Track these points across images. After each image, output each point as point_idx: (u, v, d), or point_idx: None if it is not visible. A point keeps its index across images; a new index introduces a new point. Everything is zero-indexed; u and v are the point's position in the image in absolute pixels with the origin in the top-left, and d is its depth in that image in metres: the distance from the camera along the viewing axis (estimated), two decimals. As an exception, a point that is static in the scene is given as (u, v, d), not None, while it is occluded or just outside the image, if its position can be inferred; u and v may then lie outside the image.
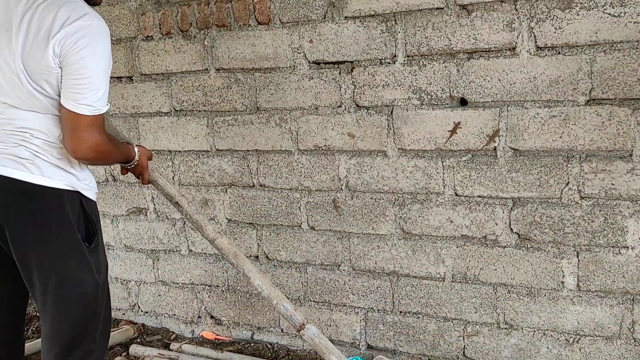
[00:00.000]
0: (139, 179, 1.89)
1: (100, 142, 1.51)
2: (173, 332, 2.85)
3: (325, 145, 2.34)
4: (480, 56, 2.02)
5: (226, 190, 2.58)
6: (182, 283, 2.79)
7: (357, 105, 2.25)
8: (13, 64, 1.45)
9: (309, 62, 2.29)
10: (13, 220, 1.52)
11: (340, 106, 2.28)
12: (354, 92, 2.24)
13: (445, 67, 2.07)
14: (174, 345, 2.65)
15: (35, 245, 1.54)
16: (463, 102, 2.08)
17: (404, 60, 2.13)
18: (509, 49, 1.97)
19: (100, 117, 1.51)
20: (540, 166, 2.00)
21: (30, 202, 1.52)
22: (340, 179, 2.34)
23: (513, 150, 2.03)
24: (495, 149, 2.05)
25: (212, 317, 2.76)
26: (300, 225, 2.47)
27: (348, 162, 2.31)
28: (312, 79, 2.30)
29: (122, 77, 2.64)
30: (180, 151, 2.62)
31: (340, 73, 2.24)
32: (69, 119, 1.47)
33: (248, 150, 2.48)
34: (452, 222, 2.17)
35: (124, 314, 2.98)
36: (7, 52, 1.46)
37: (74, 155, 1.51)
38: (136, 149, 1.78)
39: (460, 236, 2.17)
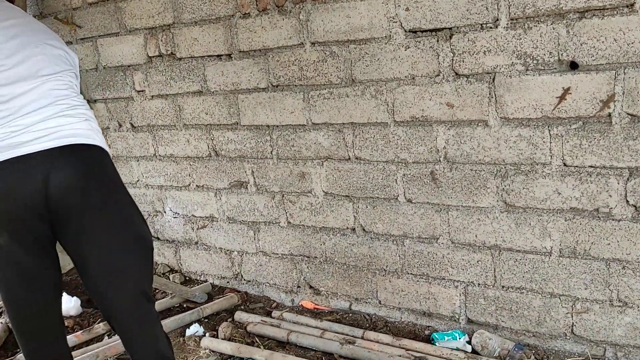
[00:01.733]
0: None
1: None
2: (274, 301, 2.96)
3: (422, 116, 2.28)
4: (594, 15, 1.86)
5: (322, 164, 2.61)
6: (282, 254, 2.87)
7: (456, 74, 2.17)
8: None
9: (405, 31, 2.23)
10: (78, 187, 1.64)
11: (438, 75, 2.21)
12: (452, 60, 2.16)
13: (554, 28, 1.93)
14: (276, 313, 2.76)
15: (104, 206, 1.70)
16: (573, 66, 1.94)
17: (507, 24, 2.02)
18: (627, 6, 1.81)
19: None
20: (662, 133, 1.83)
21: (90, 165, 1.70)
22: (438, 150, 2.29)
23: (630, 117, 1.87)
24: (609, 115, 1.91)
25: (310, 287, 2.83)
26: (396, 198, 2.45)
27: (446, 132, 2.25)
28: (409, 48, 2.24)
29: (221, 55, 2.72)
30: (277, 126, 2.68)
31: (438, 41, 2.17)
32: None
33: (344, 123, 2.49)
34: (559, 194, 2.06)
35: (228, 282, 3.13)
36: None
37: None
38: None
39: (568, 209, 2.05)
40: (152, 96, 3.03)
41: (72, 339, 2.66)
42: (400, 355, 2.23)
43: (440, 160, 2.29)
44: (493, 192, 2.20)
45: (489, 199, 2.22)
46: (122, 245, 1.74)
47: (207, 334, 2.62)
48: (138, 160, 3.24)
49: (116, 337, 2.61)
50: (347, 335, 2.45)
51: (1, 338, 2.77)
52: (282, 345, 2.49)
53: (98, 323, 2.85)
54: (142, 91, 3.06)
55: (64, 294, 3.08)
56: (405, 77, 2.28)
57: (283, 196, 2.77)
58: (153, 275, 1.90)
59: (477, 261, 2.31)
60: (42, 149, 1.59)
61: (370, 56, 2.33)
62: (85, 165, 1.67)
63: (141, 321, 1.81)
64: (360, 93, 2.40)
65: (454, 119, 2.22)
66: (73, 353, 2.49)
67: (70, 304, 3.01)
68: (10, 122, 1.61)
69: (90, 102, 3.26)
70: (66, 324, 2.90)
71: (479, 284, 2.34)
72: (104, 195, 1.71)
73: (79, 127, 1.69)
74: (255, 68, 2.64)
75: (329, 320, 2.62)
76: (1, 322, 2.86)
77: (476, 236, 2.29)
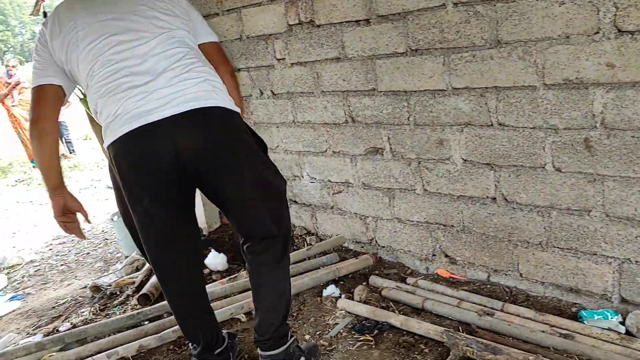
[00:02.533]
0: None
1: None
2: (408, 267, 2.96)
3: (577, 78, 2.10)
4: None
5: (462, 130, 2.52)
6: (417, 221, 2.85)
7: (619, 30, 1.96)
8: None
9: (560, -15, 2.05)
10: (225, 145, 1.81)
11: (598, 32, 2.01)
12: (615, 14, 1.96)
13: None
14: (410, 280, 2.76)
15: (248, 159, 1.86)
16: None
17: (686, -30, 1.77)
18: None
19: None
20: None
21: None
22: (594, 115, 2.10)
23: None
24: None
25: (446, 255, 2.78)
26: (544, 167, 2.30)
27: (605, 96, 2.06)
28: (563, 4, 2.06)
29: (360, 21, 2.70)
30: (415, 91, 2.62)
31: (599, -6, 1.97)
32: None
33: (486, 88, 2.37)
34: None
35: (362, 247, 3.18)
36: None
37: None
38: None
39: None
40: (292, 64, 3.12)
41: (216, 285, 2.89)
42: (543, 331, 2.13)
43: (596, 126, 2.11)
44: (659, 161, 1.98)
45: (653, 169, 2.01)
46: (253, 199, 1.88)
47: (343, 296, 2.70)
48: (278, 127, 3.37)
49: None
50: (485, 306, 2.39)
51: (160, 287, 3.08)
52: (416, 311, 2.49)
53: (242, 270, 3.05)
54: (282, 59, 3.16)
55: (212, 251, 3.34)
56: (559, 36, 2.11)
57: (419, 163, 2.73)
58: (285, 215, 2.02)
59: (636, 237, 2.11)
60: (168, 115, 1.71)
61: (519, 14, 2.18)
62: (209, 130, 1.76)
63: (269, 261, 1.96)
64: (507, 55, 2.27)
65: (614, 80, 2.02)
66: (219, 303, 2.71)
67: (217, 260, 3.25)
68: (139, 90, 1.74)
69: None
70: (214, 278, 3.16)
71: (636, 262, 2.14)
72: (230, 155, 1.81)
73: (200, 89, 1.78)
74: (394, 32, 2.60)
75: (466, 290, 2.57)
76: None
77: (636, 210, 2.09)
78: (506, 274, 2.57)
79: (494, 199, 2.51)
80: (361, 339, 2.34)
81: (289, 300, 2.04)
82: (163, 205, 1.79)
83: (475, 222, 2.61)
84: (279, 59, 3.18)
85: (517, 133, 2.34)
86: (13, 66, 9.23)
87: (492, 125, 2.41)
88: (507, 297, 2.50)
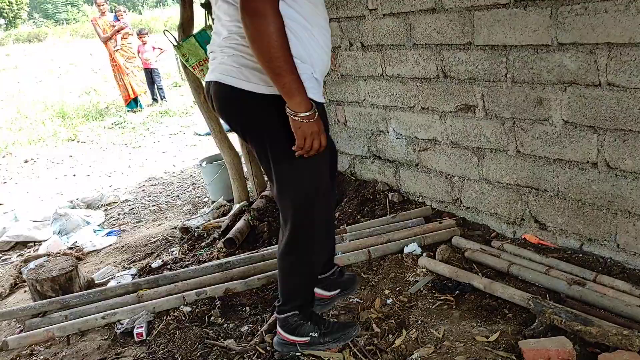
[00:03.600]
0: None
1: (267, 11, 1.50)
2: (493, 230, 2.87)
3: None
4: None
5: (565, 89, 2.36)
6: (507, 183, 2.74)
7: None
8: None
9: None
10: None
11: None
12: None
13: None
14: (496, 243, 2.68)
15: None
16: None
17: None
18: None
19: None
20: None
21: None
22: None
23: None
24: None
25: (536, 221, 2.67)
26: (655, 132, 2.12)
27: None
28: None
29: (459, -31, 2.56)
30: (516, 46, 2.47)
31: None
32: None
33: (597, 44, 2.19)
34: None
35: (446, 206, 3.12)
36: None
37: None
38: (315, 109, 1.66)
39: None
40: (384, 14, 3.02)
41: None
42: (639, 306, 2.01)
43: None
44: None
45: None
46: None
47: (425, 254, 2.68)
48: (365, 80, 3.31)
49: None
50: (576, 276, 2.28)
51: (244, 232, 3.19)
52: (501, 275, 2.43)
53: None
54: (374, 9, 3.06)
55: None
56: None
57: (514, 123, 2.60)
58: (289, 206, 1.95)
59: None
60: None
61: (643, -38, 1.97)
62: (216, 102, 1.83)
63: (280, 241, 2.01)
64: (624, 8, 2.07)
65: None
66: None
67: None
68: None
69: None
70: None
71: None
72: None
73: (222, 63, 1.77)
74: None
75: (555, 258, 2.46)
76: (244, 219, 3.28)
77: None
78: (601, 244, 2.43)
79: (595, 164, 2.35)
80: (441, 298, 2.32)
81: (288, 288, 2.06)
82: None
83: (572, 187, 2.47)
84: (370, 10, 3.09)
85: (627, 94, 2.16)
86: (123, 11, 9.62)
87: (599, 85, 2.24)
88: (600, 268, 2.37)
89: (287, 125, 1.67)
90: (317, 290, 2.26)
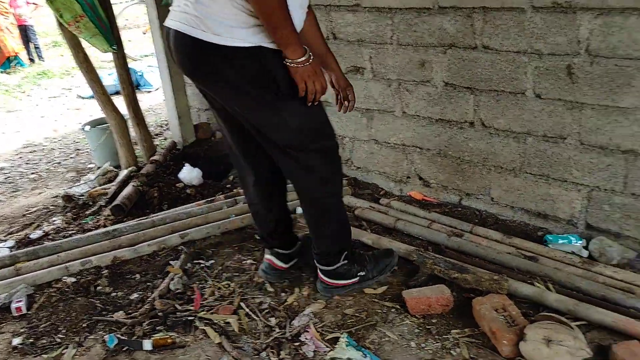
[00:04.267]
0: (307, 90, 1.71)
1: None
2: (382, 189, 2.99)
3: (566, 1, 2.05)
4: None
5: (445, 52, 2.47)
6: (394, 143, 2.85)
7: (615, -48, 1.89)
8: None
9: None
10: None
11: (593, -47, 1.94)
12: None
13: None
14: (384, 201, 2.80)
15: None
16: None
17: None
18: None
19: None
20: None
21: None
22: (579, 41, 2.07)
23: None
24: None
25: (420, 178, 2.81)
26: (524, 93, 2.29)
27: (592, 22, 2.01)
28: None
29: None
30: (400, 8, 2.53)
31: None
32: None
33: (474, 8, 2.30)
34: None
35: (337, 167, 3.18)
36: None
37: None
38: (310, 53, 1.66)
39: None
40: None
41: (194, 207, 2.89)
42: (509, 253, 2.20)
43: (580, 53, 2.08)
44: (638, 90, 1.98)
45: (631, 99, 2.01)
46: None
47: (317, 214, 2.72)
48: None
49: (238, 211, 2.80)
50: (455, 228, 2.44)
51: (133, 199, 3.06)
52: (388, 231, 2.54)
53: (219, 194, 3.05)
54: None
55: (186, 165, 3.31)
56: (552, -45, 2.03)
57: (400, 84, 2.69)
58: None
59: (607, 165, 2.15)
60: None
61: None
62: (180, 55, 1.71)
63: None
64: (497, -27, 2.19)
65: (603, 6, 1.97)
66: (197, 221, 2.72)
67: (192, 174, 3.24)
68: None
69: None
70: (188, 192, 3.16)
71: (605, 190, 2.19)
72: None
73: (186, 11, 1.65)
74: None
75: (437, 212, 2.62)
76: (133, 185, 3.15)
77: (610, 139, 2.11)
78: (477, 198, 2.62)
79: (472, 123, 2.50)
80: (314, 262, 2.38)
81: (333, 234, 2.06)
82: None
83: (452, 145, 2.61)
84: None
85: (500, 57, 2.30)
86: None
87: (476, 47, 2.36)
88: (476, 220, 2.55)
89: (283, 76, 1.67)
90: (275, 261, 2.23)
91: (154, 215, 2.92)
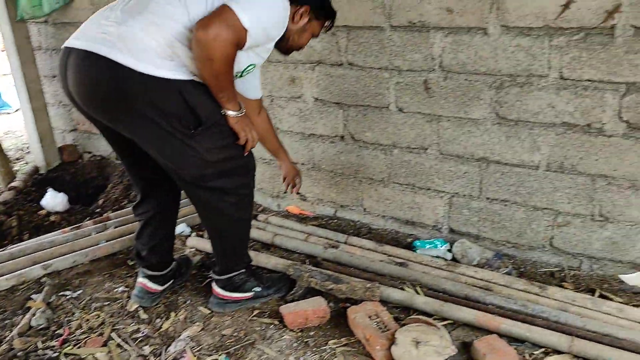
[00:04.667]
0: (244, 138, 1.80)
1: (225, 43, 1.51)
2: (260, 205, 2.98)
3: (420, 21, 2.19)
4: None
5: (314, 68, 2.53)
6: (269, 159, 2.85)
7: (458, -24, 2.06)
8: None
9: None
10: None
11: (440, -23, 2.10)
12: (455, -40, 2.05)
13: None
14: (262, 217, 2.79)
15: None
16: (582, -28, 1.84)
17: None
18: None
19: (240, 31, 1.53)
20: (664, 47, 1.78)
21: None
22: (433, 58, 2.22)
23: (635, 29, 1.81)
24: (613, 27, 1.84)
25: (297, 193, 2.83)
26: (388, 107, 2.40)
27: (443, 40, 2.17)
28: (410, -55, 2.11)
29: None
30: (268, 26, 2.56)
31: (442, -62, 2.04)
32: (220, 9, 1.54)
33: (337, 26, 2.38)
34: (553, 107, 2.03)
35: (215, 185, 3.13)
36: None
37: (201, 30, 1.51)
38: (243, 107, 1.76)
39: (560, 123, 2.03)
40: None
41: (59, 235, 2.69)
42: (381, 260, 2.28)
43: (434, 69, 2.23)
44: (486, 103, 2.16)
45: (481, 111, 2.19)
46: None
47: (194, 234, 2.66)
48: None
49: (108, 236, 2.65)
50: (331, 239, 2.49)
51: None
52: (267, 247, 2.53)
53: (87, 220, 2.86)
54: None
55: (50, 191, 3.09)
56: (405, -23, 2.16)
57: (272, 101, 2.71)
58: None
59: (464, 173, 2.32)
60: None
61: (369, -47, 2.20)
62: (85, 79, 1.63)
63: None
64: (357, -7, 2.29)
65: (452, 25, 2.13)
66: (61, 249, 2.53)
67: (57, 200, 3.02)
68: None
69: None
70: (52, 219, 2.94)
71: (464, 195, 2.36)
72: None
73: (106, 32, 1.58)
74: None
75: (314, 225, 2.66)
76: None
77: (465, 148, 2.28)
78: (351, 209, 2.70)
79: (343, 137, 2.58)
80: (210, 275, 2.33)
81: (236, 250, 2.06)
82: None
83: (325, 159, 2.68)
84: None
85: (364, 73, 2.41)
86: None
87: (342, 64, 2.45)
88: (351, 231, 2.63)
89: (204, 110, 1.66)
90: (149, 284, 2.12)
91: (12, 246, 2.67)
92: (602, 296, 2.02)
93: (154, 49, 1.55)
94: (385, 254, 2.34)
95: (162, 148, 1.71)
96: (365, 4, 2.28)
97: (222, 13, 1.52)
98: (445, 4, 2.11)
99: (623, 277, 2.09)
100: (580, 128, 2.00)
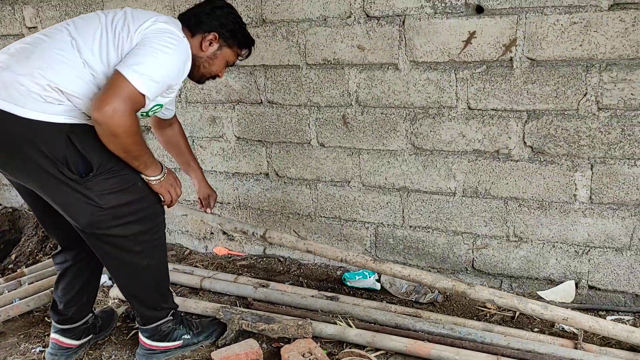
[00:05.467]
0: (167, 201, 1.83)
1: (124, 115, 1.49)
2: (187, 248, 2.91)
3: (334, 58, 2.26)
4: (499, -42, 1.89)
5: (234, 108, 2.54)
6: (194, 200, 2.81)
7: (368, 16, 2.15)
8: None
9: (317, -31, 2.17)
10: None
11: (350, 17, 2.18)
12: (364, 1, 2.14)
13: (461, -29, 1.95)
14: (189, 261, 2.72)
15: None
16: (479, 10, 1.97)
17: (417, -35, 2.01)
18: (530, -50, 1.85)
19: (136, 99, 1.52)
20: (557, 77, 1.93)
21: None
22: (350, 94, 2.28)
23: (530, 61, 1.95)
24: (511, 59, 1.97)
25: (224, 233, 2.80)
26: (309, 142, 2.44)
27: (358, 76, 2.25)
28: (320, -13, 2.19)
29: None
30: (185, 67, 2.55)
31: (349, -20, 2.13)
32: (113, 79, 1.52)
33: (255, 66, 2.41)
34: (464, 136, 2.13)
35: (138, 231, 3.03)
36: None
37: (96, 110, 1.48)
38: (165, 170, 1.77)
39: (472, 151, 2.14)
40: (46, 33, 2.78)
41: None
42: (312, 296, 2.28)
43: (352, 104, 2.30)
44: (402, 135, 2.24)
45: (398, 142, 2.26)
46: None
47: (116, 284, 2.54)
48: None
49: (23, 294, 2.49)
50: (261, 279, 2.46)
51: None
52: (195, 291, 2.46)
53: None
54: (33, 27, 2.80)
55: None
56: (317, 17, 2.23)
57: (194, 141, 2.69)
58: None
59: (387, 203, 2.38)
60: None
61: (281, -5, 2.26)
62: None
63: None
64: (272, 34, 2.33)
65: (365, 62, 2.21)
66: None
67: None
68: None
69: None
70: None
71: (388, 225, 2.41)
72: None
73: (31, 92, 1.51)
74: (160, 4, 2.48)
75: (243, 265, 2.62)
76: None
77: (386, 179, 2.34)
78: (280, 246, 2.69)
79: (267, 174, 2.59)
80: (135, 327, 2.23)
81: (158, 296, 1.97)
82: None
83: (250, 197, 2.66)
84: (30, 27, 2.81)
85: (284, 110, 2.44)
86: None
87: (262, 102, 2.47)
88: (281, 268, 2.61)
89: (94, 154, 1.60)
90: (62, 339, 1.99)
91: None
92: (522, 314, 2.11)
93: (38, 93, 1.51)
94: (316, 288, 2.34)
95: (53, 195, 1.64)
96: (280, 44, 2.32)
97: (114, 86, 1.50)
98: (356, 41, 2.19)
99: (541, 293, 2.19)
100: (490, 154, 2.12)
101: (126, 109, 1.49)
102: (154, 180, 1.72)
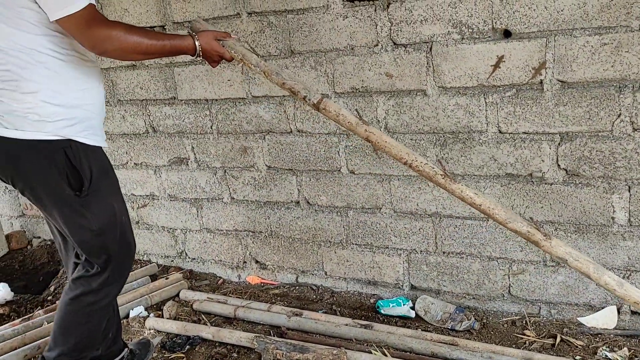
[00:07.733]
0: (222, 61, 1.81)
1: (110, 35, 1.50)
2: (220, 277, 2.93)
3: (362, 86, 2.28)
4: (525, -17, 1.90)
5: (264, 137, 2.57)
6: (226, 230, 2.84)
7: (395, 44, 2.17)
8: None
9: (343, 0, 2.20)
10: None
11: (377, 45, 2.20)
12: (390, 29, 2.16)
13: (487, -3, 1.96)
14: (223, 290, 2.73)
15: None
16: (507, 34, 1.97)
17: (442, -7, 2.03)
18: (556, -26, 1.85)
19: (91, 11, 1.48)
20: (589, 98, 1.90)
21: None
22: (379, 120, 2.29)
23: (561, 83, 1.93)
24: (541, 82, 1.96)
25: (257, 261, 2.81)
26: (339, 170, 2.45)
27: (386, 103, 2.26)
28: (347, 17, 2.22)
29: (154, 27, 2.61)
30: (216, 99, 2.61)
31: (375, 10, 2.16)
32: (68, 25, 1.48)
33: (284, 96, 2.45)
34: (495, 160, 2.12)
35: (172, 260, 3.07)
36: None
37: (96, 50, 1.54)
38: (196, 39, 1.72)
39: (504, 175, 2.12)
40: (83, 71, 2.89)
41: (7, 328, 2.55)
42: (346, 324, 2.26)
43: (381, 130, 2.30)
44: (432, 160, 2.23)
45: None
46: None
47: (152, 314, 2.57)
48: (71, 139, 3.10)
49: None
50: (294, 307, 2.46)
51: None
52: (229, 321, 2.47)
53: (38, 310, 2.74)
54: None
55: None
56: (345, 47, 2.26)
57: (225, 172, 2.73)
58: None
59: (419, 229, 2.36)
60: None
61: (309, 26, 2.30)
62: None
63: None
64: (300, 64, 2.37)
65: (393, 89, 2.23)
66: (12, 344, 2.39)
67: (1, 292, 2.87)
68: None
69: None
70: (1, 311, 2.79)
71: (421, 251, 2.39)
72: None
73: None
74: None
75: (276, 294, 2.62)
76: None
77: (417, 205, 2.33)
78: (313, 274, 2.68)
79: (298, 202, 2.60)
80: (172, 357, 2.25)
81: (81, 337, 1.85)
82: None
83: (282, 226, 2.68)
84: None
85: (314, 139, 2.46)
86: None
87: (291, 131, 2.50)
88: (314, 296, 2.61)
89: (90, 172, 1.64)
90: None
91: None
92: (563, 341, 2.05)
93: (31, 113, 1.54)
94: (349, 317, 2.32)
95: (55, 213, 1.66)
96: (309, 74, 2.36)
97: (78, 27, 1.47)
98: (384, 69, 2.21)
99: (581, 319, 2.13)
100: (523, 178, 2.09)
101: (102, 30, 1.49)
102: (197, 49, 1.72)
